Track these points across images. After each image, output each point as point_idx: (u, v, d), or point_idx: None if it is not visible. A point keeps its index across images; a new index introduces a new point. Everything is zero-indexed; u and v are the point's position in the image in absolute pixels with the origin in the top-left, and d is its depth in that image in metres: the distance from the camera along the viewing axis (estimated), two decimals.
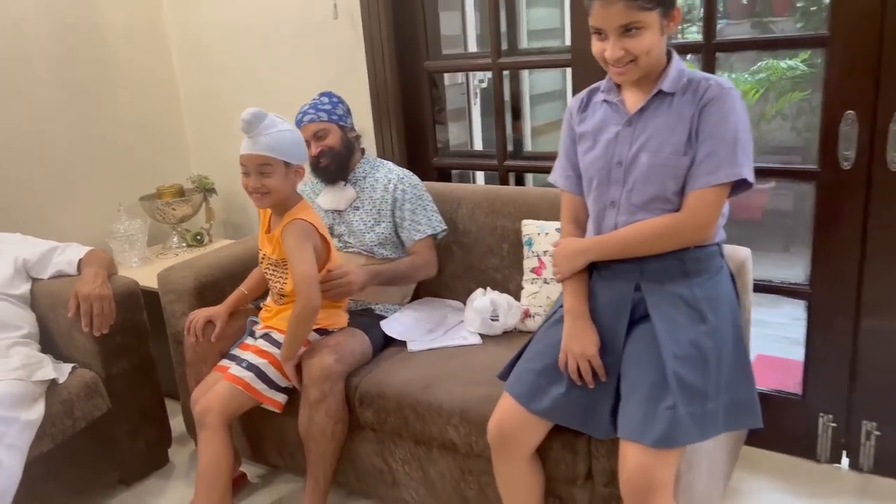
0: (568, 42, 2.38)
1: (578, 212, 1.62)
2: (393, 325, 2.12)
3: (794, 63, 4.25)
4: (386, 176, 2.19)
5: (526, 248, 2.12)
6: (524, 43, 3.87)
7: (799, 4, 4.41)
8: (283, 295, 1.96)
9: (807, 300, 2.06)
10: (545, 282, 2.06)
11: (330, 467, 1.90)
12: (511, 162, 2.53)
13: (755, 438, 2.15)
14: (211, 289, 2.17)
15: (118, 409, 2.14)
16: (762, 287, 2.13)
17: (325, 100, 2.15)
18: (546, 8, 4.08)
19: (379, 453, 1.94)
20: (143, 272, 2.59)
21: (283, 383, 1.90)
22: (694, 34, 3.92)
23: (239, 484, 2.17)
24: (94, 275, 2.08)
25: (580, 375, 1.46)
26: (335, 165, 2.13)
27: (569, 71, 2.43)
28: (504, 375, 1.61)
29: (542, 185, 2.67)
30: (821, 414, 2.09)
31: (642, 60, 1.39)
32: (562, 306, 1.55)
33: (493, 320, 2.07)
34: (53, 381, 1.99)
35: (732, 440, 1.96)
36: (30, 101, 2.64)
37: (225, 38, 2.92)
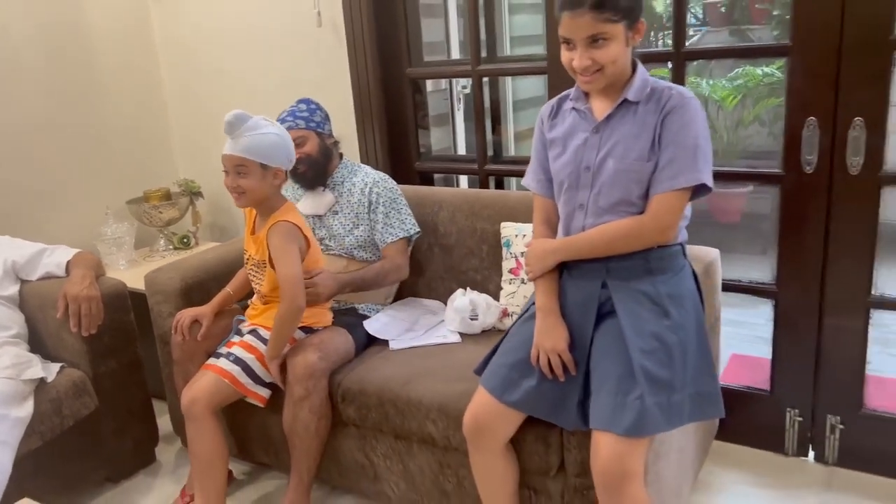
0: None
1: (550, 214, 1.69)
2: (375, 325, 2.17)
3: (770, 70, 4.36)
4: (363, 180, 2.24)
5: (504, 250, 2.19)
6: (506, 49, 3.95)
7: (775, 13, 4.52)
8: (263, 295, 2.02)
9: (774, 299, 2.14)
10: (523, 282, 2.13)
11: (314, 463, 1.96)
12: (491, 166, 2.60)
13: (725, 433, 2.23)
14: (197, 290, 2.22)
15: (106, 407, 2.18)
16: (732, 287, 2.21)
17: (303, 106, 2.18)
18: (529, 15, 4.15)
19: (361, 448, 2.00)
20: (131, 274, 2.63)
21: (267, 378, 1.95)
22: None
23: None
24: (82, 276, 2.13)
25: (551, 369, 1.53)
26: (313, 172, 2.18)
27: None
28: (480, 370, 1.67)
29: (522, 189, 2.74)
30: (788, 409, 2.17)
31: (608, 70, 1.47)
32: (534, 304, 1.62)
33: (472, 319, 2.13)
34: (42, 380, 2.03)
35: (702, 434, 2.03)
36: (17, 106, 2.67)
37: (211, 43, 2.97)
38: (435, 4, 3.35)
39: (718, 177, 1.94)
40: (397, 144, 2.70)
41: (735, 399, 2.20)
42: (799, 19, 1.89)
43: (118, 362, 2.23)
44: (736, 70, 4.50)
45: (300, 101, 2.20)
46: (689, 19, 5.02)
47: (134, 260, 2.87)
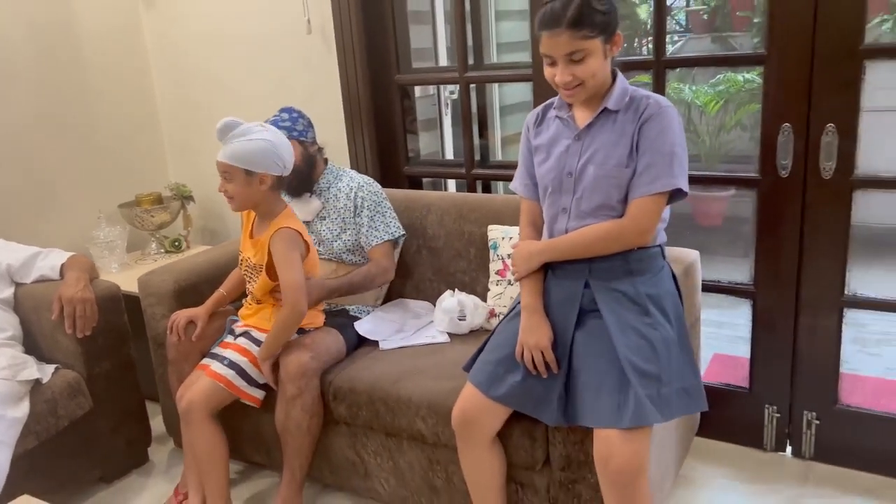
0: None
1: (536, 217, 1.76)
2: (366, 326, 2.22)
3: (751, 76, 4.45)
4: (348, 185, 2.27)
5: (491, 252, 2.25)
6: (493, 55, 4.01)
7: (756, 20, 4.61)
8: (256, 297, 2.06)
9: (752, 299, 2.21)
10: (509, 283, 2.19)
11: (306, 460, 2.00)
12: (478, 170, 2.65)
13: (706, 429, 2.30)
14: (189, 292, 2.26)
15: (100, 408, 2.21)
16: (711, 287, 2.28)
17: (286, 115, 2.20)
18: (514, 21, 4.22)
19: (352, 446, 2.05)
20: (123, 277, 2.67)
21: (261, 380, 2.00)
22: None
23: None
24: (76, 279, 2.16)
25: (535, 366, 1.58)
26: (297, 181, 2.19)
27: None
28: (468, 367, 1.73)
29: (509, 193, 2.79)
30: (766, 405, 2.23)
31: (589, 83, 1.54)
32: (519, 303, 1.68)
33: (460, 320, 2.19)
34: (37, 382, 2.06)
35: (683, 431, 2.10)
36: (9, 110, 2.69)
37: (201, 49, 3.01)
38: (422, 11, 3.41)
39: (699, 181, 2.03)
40: (386, 149, 2.75)
41: (715, 397, 2.25)
42: (774, 29, 1.97)
43: (112, 363, 2.26)
44: (718, 76, 4.59)
45: (282, 111, 2.21)
46: (673, 26, 5.12)
47: (126, 263, 2.90)
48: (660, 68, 2.15)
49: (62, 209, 2.89)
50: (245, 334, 2.04)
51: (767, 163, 2.05)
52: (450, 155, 3.53)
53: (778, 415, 2.23)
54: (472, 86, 2.67)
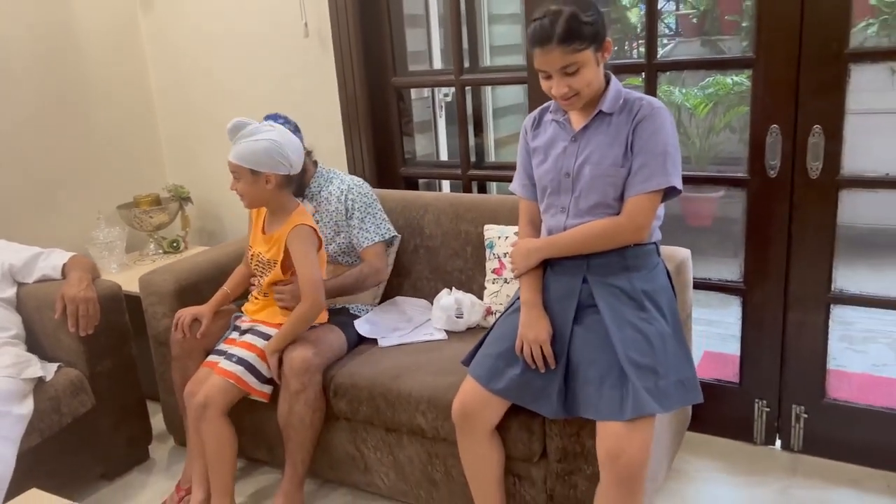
0: None
1: (534, 216, 1.81)
2: (365, 326, 2.26)
3: (740, 79, 4.52)
4: (338, 187, 2.29)
5: (487, 251, 2.29)
6: (487, 58, 4.05)
7: (744, 24, 4.69)
8: (263, 290, 2.10)
9: (742, 297, 2.26)
10: (505, 281, 2.24)
11: (308, 454, 2.03)
12: (474, 171, 2.70)
13: (698, 424, 2.35)
14: (190, 291, 2.29)
15: (102, 406, 2.24)
16: (702, 285, 2.33)
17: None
18: (508, 25, 4.27)
19: (352, 441, 2.08)
20: (123, 277, 2.69)
21: (269, 374, 2.02)
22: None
23: None
24: (79, 278, 2.19)
25: (534, 360, 1.63)
26: None
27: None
28: (467, 361, 1.78)
29: (504, 193, 2.84)
30: (756, 400, 2.29)
31: (584, 92, 1.59)
32: (519, 298, 1.73)
33: (457, 317, 2.23)
34: (41, 380, 2.09)
35: (676, 425, 2.14)
36: (8, 112, 2.71)
37: (199, 51, 3.04)
38: (417, 15, 3.45)
39: (690, 181, 2.08)
40: (383, 151, 2.79)
41: (707, 392, 2.27)
42: (762, 33, 2.02)
43: (113, 362, 2.29)
44: (707, 79, 4.66)
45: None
46: (663, 29, 5.18)
47: (125, 264, 2.93)
48: (651, 71, 2.20)
49: (61, 210, 2.91)
50: (251, 330, 2.07)
51: (756, 163, 2.11)
52: (444, 156, 3.57)
53: (767, 409, 2.28)
54: (468, 88, 2.71)
